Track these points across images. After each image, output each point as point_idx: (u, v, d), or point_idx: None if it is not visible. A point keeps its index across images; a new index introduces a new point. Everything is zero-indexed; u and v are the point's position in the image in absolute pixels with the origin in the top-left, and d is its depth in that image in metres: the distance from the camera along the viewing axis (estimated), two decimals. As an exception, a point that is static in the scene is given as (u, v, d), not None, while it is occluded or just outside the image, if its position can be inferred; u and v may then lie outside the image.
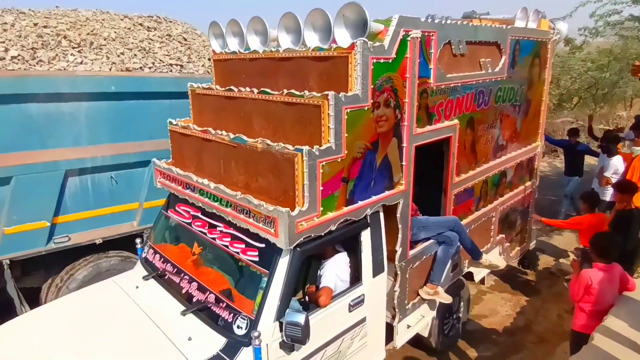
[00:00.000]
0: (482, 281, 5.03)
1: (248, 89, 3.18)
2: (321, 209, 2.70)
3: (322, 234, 2.77)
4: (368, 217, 3.17)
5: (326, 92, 2.59)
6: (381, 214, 3.33)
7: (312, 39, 3.01)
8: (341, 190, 2.83)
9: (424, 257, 3.82)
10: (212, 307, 2.87)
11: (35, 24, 4.97)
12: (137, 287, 3.39)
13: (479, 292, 5.70)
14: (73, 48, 4.88)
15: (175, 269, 3.31)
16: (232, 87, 3.37)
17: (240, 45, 3.65)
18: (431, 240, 3.88)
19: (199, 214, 3.33)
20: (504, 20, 4.62)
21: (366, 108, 2.83)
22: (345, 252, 3.29)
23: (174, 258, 3.41)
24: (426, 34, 3.19)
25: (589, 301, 3.39)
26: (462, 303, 4.69)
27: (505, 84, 4.38)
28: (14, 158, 3.81)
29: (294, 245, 2.63)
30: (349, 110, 2.70)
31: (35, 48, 4.58)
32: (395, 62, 2.98)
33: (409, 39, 3.03)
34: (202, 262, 3.22)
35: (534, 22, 4.76)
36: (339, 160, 2.74)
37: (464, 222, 4.26)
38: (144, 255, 3.73)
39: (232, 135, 3.06)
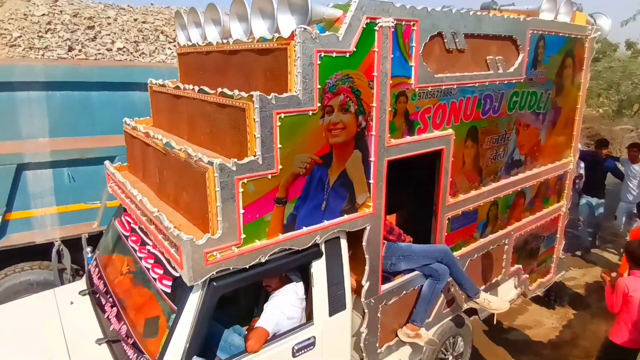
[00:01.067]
0: (491, 316, 4.28)
1: (191, 87, 2.73)
2: (243, 236, 2.19)
3: (247, 267, 2.26)
4: (321, 245, 2.62)
5: (252, 93, 2.08)
6: (343, 242, 2.76)
7: (260, 28, 2.51)
8: (275, 214, 2.30)
9: (404, 292, 3.18)
10: (121, 342, 2.45)
11: (135, 20, 5.47)
12: (71, 302, 3.06)
13: (524, 302, 5.25)
14: (169, 42, 5.35)
15: (105, 288, 2.93)
16: (179, 84, 2.94)
17: (201, 36, 3.22)
18: (415, 273, 3.24)
19: (137, 227, 2.93)
20: (529, 11, 3.85)
21: (311, 113, 2.28)
22: (301, 282, 2.76)
23: (108, 275, 3.04)
24: (404, 23, 2.58)
25: (628, 311, 3.16)
26: (461, 343, 3.98)
27: (523, 87, 3.62)
28: (119, 140, 4.04)
29: (205, 279, 2.14)
30: (283, 115, 2.16)
31: (137, 41, 5.07)
32: (355, 57, 2.39)
33: (376, 28, 2.43)
34: (129, 284, 2.82)
35: (567, 15, 3.95)
36: (270, 177, 2.21)
37: (464, 250, 3.58)
38: (90, 266, 3.40)
39: (165, 140, 2.62)
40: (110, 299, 2.78)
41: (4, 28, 4.70)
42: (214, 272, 2.13)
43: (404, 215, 4.04)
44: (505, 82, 3.44)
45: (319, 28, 2.36)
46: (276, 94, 2.13)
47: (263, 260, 2.29)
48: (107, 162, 3.47)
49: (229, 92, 2.26)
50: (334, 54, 2.29)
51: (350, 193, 2.62)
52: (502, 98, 3.47)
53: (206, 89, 2.53)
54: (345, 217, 2.63)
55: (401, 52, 2.63)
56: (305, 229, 2.44)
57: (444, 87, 2.95)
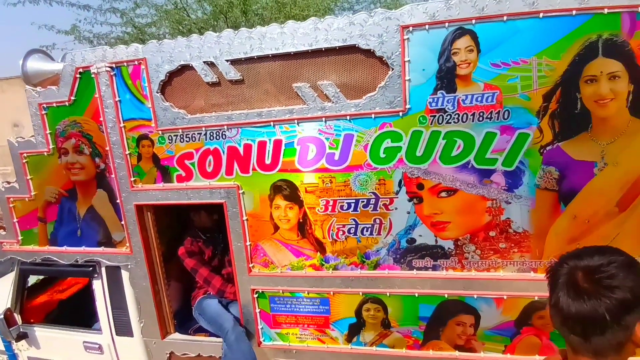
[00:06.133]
0: None
1: None
2: (21, 237, 2.98)
3: (27, 261, 3.03)
4: (99, 269, 2.95)
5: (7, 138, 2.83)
6: (124, 273, 2.92)
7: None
8: (40, 229, 2.92)
9: (199, 353, 2.84)
10: None
11: None
12: None
13: None
14: None
15: None
16: None
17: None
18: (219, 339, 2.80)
19: None
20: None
21: (46, 154, 2.72)
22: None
23: None
24: (127, 64, 2.42)
25: None
26: None
27: (412, 124, 2.11)
28: None
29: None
30: (26, 154, 2.77)
31: None
32: (77, 105, 2.57)
33: (92, 76, 2.48)
34: None
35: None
36: (27, 199, 2.87)
37: (308, 346, 2.64)
38: None
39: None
40: None
41: None
42: (9, 257, 3.05)
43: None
44: (348, 117, 2.18)
45: None
46: (21, 138, 2.77)
47: (38, 260, 2.99)
48: None
49: None
50: (55, 105, 2.61)
51: (103, 228, 2.79)
52: (348, 142, 2.23)
53: None
54: (102, 249, 2.82)
55: (133, 93, 2.47)
56: (65, 248, 2.90)
57: (205, 129, 2.40)
